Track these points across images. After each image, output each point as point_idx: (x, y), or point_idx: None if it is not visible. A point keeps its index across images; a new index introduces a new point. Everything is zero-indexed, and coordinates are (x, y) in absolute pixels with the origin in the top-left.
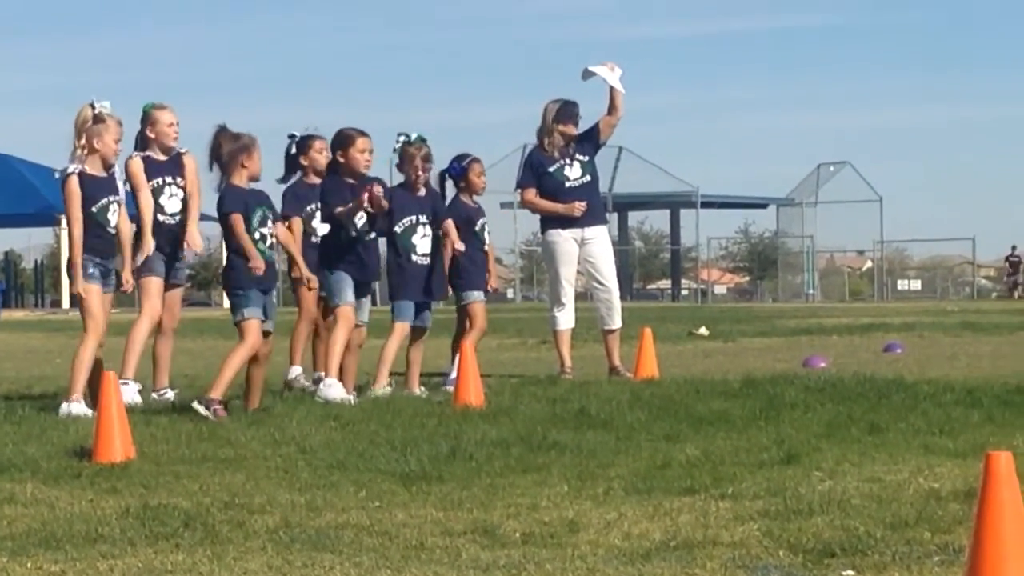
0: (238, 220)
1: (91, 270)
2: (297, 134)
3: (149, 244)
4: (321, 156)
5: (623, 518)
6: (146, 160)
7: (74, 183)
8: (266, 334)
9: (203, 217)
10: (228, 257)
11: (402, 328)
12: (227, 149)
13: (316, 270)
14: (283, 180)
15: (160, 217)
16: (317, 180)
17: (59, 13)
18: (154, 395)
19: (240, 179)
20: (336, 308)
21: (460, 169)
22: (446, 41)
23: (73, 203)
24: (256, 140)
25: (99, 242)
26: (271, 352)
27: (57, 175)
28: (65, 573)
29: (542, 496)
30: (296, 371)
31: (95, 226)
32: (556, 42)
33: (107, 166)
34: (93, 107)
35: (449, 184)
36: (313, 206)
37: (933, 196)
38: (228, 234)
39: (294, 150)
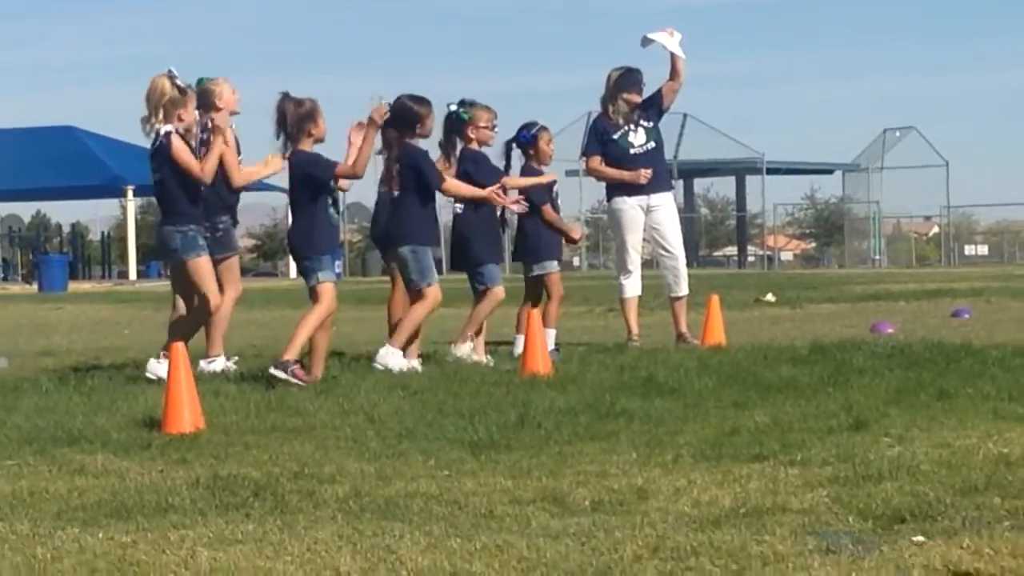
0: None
1: (201, 241)
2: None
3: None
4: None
5: (692, 485)
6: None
7: (178, 139)
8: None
9: (267, 187)
10: (303, 222)
11: (500, 292)
12: (293, 116)
13: (396, 242)
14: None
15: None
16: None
17: None
18: (203, 364)
19: (307, 145)
20: (427, 287)
21: (530, 137)
22: (508, 10)
23: (186, 155)
24: (318, 104)
25: (199, 206)
26: (334, 318)
27: (159, 137)
28: (136, 543)
29: (611, 464)
30: None
31: (194, 189)
32: (618, 9)
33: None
34: (172, 77)
35: (515, 153)
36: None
37: (1000, 161)
38: (307, 200)
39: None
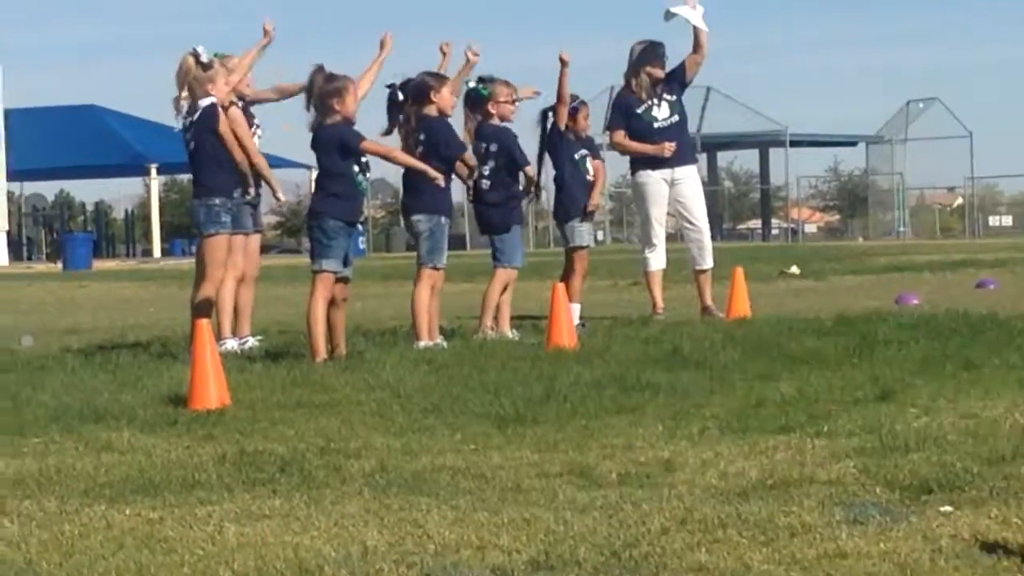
0: (369, 144)
1: (224, 217)
2: (396, 82)
3: (276, 181)
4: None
5: (719, 457)
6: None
7: (235, 111)
8: (345, 280)
9: (292, 164)
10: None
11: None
12: (319, 90)
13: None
14: (387, 132)
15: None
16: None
17: None
18: (236, 343)
19: (334, 122)
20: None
21: (569, 110)
22: None
23: (242, 128)
24: (350, 82)
25: (231, 178)
26: (349, 296)
27: (202, 108)
28: (163, 520)
29: (637, 437)
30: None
31: (225, 162)
32: None
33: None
34: (197, 56)
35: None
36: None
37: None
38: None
39: (400, 97)
